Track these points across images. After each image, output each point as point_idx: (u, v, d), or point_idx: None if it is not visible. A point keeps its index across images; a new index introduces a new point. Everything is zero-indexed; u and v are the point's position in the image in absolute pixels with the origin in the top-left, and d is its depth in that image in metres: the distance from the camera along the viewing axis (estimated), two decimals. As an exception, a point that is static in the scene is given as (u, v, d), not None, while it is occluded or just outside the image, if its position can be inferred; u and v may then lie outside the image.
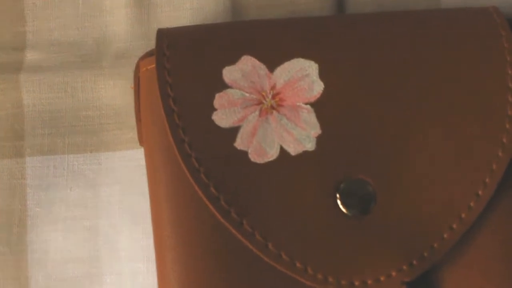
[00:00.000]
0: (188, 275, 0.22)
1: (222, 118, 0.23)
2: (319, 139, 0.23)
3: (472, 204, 0.23)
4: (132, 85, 0.25)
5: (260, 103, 0.23)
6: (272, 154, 0.23)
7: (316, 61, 0.23)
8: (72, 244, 0.26)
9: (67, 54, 0.27)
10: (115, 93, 0.27)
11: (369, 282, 0.22)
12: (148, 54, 0.24)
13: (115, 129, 0.27)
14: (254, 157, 0.22)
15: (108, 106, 0.27)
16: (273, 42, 0.24)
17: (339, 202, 0.22)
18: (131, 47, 0.27)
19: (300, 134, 0.23)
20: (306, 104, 0.23)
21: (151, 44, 0.26)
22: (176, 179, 0.23)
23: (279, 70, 0.23)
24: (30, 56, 0.27)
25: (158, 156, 0.23)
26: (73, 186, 0.26)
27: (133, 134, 0.26)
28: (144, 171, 0.24)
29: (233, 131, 0.23)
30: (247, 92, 0.23)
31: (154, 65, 0.23)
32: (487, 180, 0.23)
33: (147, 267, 0.25)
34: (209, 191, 0.22)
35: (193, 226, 0.22)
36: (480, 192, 0.23)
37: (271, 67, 0.23)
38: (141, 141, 0.24)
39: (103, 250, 0.26)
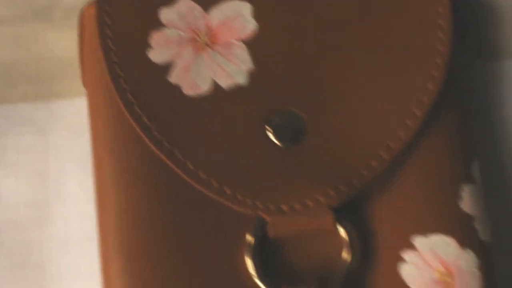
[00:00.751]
0: (126, 205, 0.23)
1: (157, 55, 0.24)
2: (251, 74, 0.24)
3: (401, 134, 0.23)
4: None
5: (194, 41, 0.24)
6: (205, 88, 0.23)
7: (250, 2, 0.25)
8: (23, 189, 0.27)
9: (19, 8, 0.28)
10: (66, 44, 0.28)
11: (297, 206, 0.22)
12: (93, 2, 0.26)
13: (66, 79, 0.27)
14: (187, 91, 0.23)
15: (60, 58, 0.27)
16: None
17: (269, 133, 0.23)
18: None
19: (232, 69, 0.24)
20: (239, 41, 0.24)
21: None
22: (113, 115, 0.23)
23: (214, 11, 0.24)
24: (-17, 11, 0.28)
25: (98, 95, 0.24)
26: (25, 133, 0.27)
27: (83, 83, 0.28)
28: (92, 118, 0.25)
29: (168, 67, 0.24)
30: (182, 31, 0.24)
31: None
32: (416, 111, 0.23)
33: (94, 209, 0.26)
34: (143, 121, 0.23)
35: (129, 158, 0.23)
36: (409, 123, 0.23)
37: (207, 8, 0.24)
38: (85, 84, 0.26)
39: (51, 194, 0.27)
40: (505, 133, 0.28)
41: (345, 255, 0.22)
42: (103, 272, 0.23)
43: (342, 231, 0.23)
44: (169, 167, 0.23)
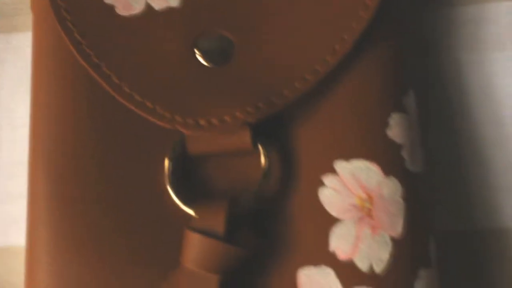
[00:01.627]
0: (56, 126, 0.23)
1: (93, -23, 0.25)
2: (183, -3, 0.24)
3: (328, 58, 0.23)
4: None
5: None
6: (138, 8, 0.24)
7: None
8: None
9: None
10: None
11: (214, 121, 0.22)
12: None
13: (26, 13, 0.29)
14: (121, 11, 0.24)
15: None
16: None
17: (197, 53, 0.23)
18: None
19: (165, -9, 0.24)
20: (173, -35, 0.25)
21: None
22: (50, 33, 0.24)
23: None
24: None
25: (39, 14, 0.25)
26: (-17, 62, 0.28)
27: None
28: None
29: (102, -11, 0.24)
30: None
31: None
32: (345, 36, 0.23)
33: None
34: (74, 36, 0.23)
35: (64, 76, 0.24)
36: (337, 47, 0.23)
37: None
38: (32, 9, 0.26)
39: (2, 119, 0.28)
40: (453, 74, 0.27)
41: (262, 174, 0.22)
42: (30, 196, 0.23)
43: (261, 151, 0.22)
44: (100, 87, 0.23)
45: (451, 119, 0.27)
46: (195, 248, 0.21)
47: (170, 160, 0.23)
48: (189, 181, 0.23)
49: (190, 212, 0.22)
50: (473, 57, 0.27)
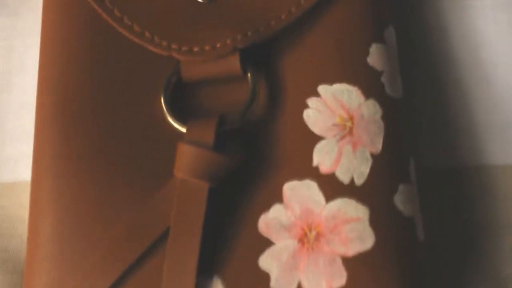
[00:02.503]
0: (61, 60, 0.25)
1: None
2: None
3: None
4: None
5: None
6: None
7: None
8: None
9: None
10: None
11: (207, 47, 0.24)
12: None
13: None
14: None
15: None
16: None
17: None
18: None
19: None
20: None
21: None
22: None
23: None
24: None
25: None
26: (1, 15, 0.31)
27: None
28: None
29: None
30: None
31: None
32: None
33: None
34: None
35: (67, 12, 0.26)
36: None
37: None
38: None
39: (14, 65, 0.30)
40: (434, 22, 0.29)
41: (249, 96, 0.24)
42: (36, 131, 0.25)
43: (249, 76, 0.24)
44: (103, 24, 0.25)
45: (433, 66, 0.29)
46: (186, 158, 0.23)
47: (167, 85, 0.24)
48: (183, 107, 0.25)
49: (183, 130, 0.24)
50: (454, 4, 0.29)
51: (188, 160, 0.23)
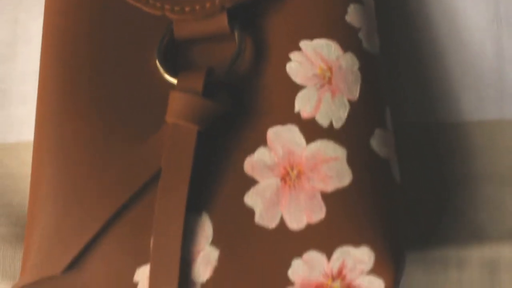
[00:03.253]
0: (62, 20, 0.27)
1: None
2: None
3: None
4: None
5: None
6: None
7: None
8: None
9: None
10: None
11: (197, 7, 0.26)
12: None
13: None
14: None
15: None
16: None
17: None
18: None
19: None
20: None
21: None
22: None
23: None
24: None
25: None
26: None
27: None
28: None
29: None
30: None
31: None
32: None
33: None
34: None
35: None
36: None
37: None
38: None
39: (19, 36, 0.32)
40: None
41: (235, 51, 0.26)
42: (40, 91, 0.27)
43: (236, 34, 0.26)
44: None
45: (412, 28, 0.31)
46: (177, 104, 0.24)
47: (160, 43, 0.26)
48: (175, 64, 0.26)
49: (174, 81, 0.25)
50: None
51: (179, 106, 0.24)
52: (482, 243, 0.27)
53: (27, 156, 0.30)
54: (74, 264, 0.24)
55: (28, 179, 0.30)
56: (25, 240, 0.26)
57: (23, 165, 0.31)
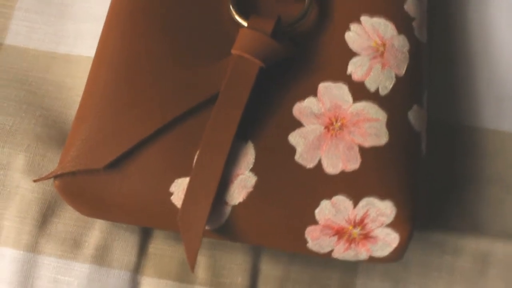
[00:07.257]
0: None
1: None
2: None
3: None
4: None
5: None
6: None
7: None
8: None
9: None
10: None
11: None
12: None
13: None
14: None
15: None
16: None
17: None
18: None
19: None
20: None
21: None
22: None
23: None
24: None
25: None
26: None
27: None
28: None
29: None
30: None
31: None
32: None
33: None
34: None
35: None
36: None
37: None
38: None
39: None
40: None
41: (302, 10, 0.28)
42: (108, 19, 0.28)
43: None
44: None
45: (449, 31, 0.34)
46: (246, 39, 0.26)
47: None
48: (246, 9, 0.28)
49: (244, 23, 0.27)
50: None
51: (247, 41, 0.26)
52: (479, 237, 0.30)
53: (75, 69, 0.31)
54: (117, 163, 0.26)
55: (71, 91, 0.31)
56: (70, 132, 0.27)
57: (69, 77, 0.31)
